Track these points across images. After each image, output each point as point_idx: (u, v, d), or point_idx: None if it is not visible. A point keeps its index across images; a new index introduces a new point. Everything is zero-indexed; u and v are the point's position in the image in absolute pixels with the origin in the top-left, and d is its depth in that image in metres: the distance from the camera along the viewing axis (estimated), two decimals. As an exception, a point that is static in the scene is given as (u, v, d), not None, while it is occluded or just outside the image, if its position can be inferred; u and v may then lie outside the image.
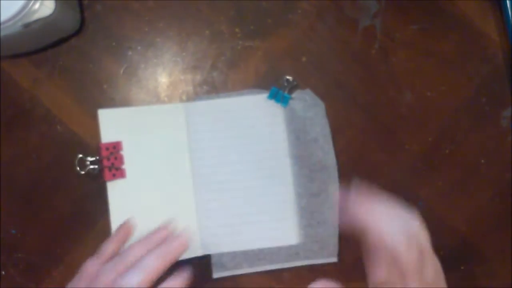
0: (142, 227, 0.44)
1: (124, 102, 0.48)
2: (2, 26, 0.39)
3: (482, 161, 0.48)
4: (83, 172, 0.45)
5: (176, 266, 0.46)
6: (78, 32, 0.47)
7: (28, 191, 0.48)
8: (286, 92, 0.47)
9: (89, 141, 0.47)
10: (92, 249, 0.47)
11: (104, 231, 0.47)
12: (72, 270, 0.47)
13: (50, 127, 0.47)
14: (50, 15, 0.41)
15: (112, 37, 0.48)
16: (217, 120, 0.47)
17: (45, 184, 0.48)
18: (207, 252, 0.47)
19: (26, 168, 0.45)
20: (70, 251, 0.47)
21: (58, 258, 0.47)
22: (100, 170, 0.44)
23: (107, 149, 0.43)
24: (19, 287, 0.47)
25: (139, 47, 0.48)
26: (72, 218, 0.47)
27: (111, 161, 0.43)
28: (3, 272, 0.47)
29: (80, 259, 0.47)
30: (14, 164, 0.46)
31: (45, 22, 0.41)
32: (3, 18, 0.39)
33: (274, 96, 0.47)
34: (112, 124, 0.44)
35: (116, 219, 0.43)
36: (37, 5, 0.40)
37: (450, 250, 0.47)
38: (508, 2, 0.46)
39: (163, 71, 0.48)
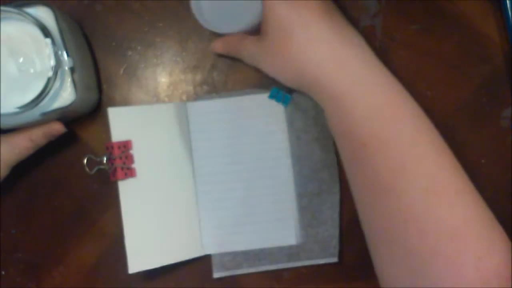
0: (146, 226, 0.44)
1: (124, 102, 0.48)
2: (19, 114, 0.39)
3: (482, 161, 0.48)
4: (92, 172, 0.45)
5: (176, 266, 0.46)
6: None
7: (28, 191, 0.48)
8: (287, 92, 0.47)
9: (89, 141, 0.47)
10: (92, 249, 0.47)
11: (104, 231, 0.47)
12: (72, 270, 0.48)
13: (50, 127, 0.47)
14: (70, 104, 0.40)
15: (112, 37, 0.48)
16: (218, 120, 0.47)
17: (45, 184, 0.48)
18: (207, 252, 0.47)
19: (26, 168, 0.45)
20: (70, 251, 0.47)
21: (58, 258, 0.47)
22: (112, 169, 0.43)
23: (119, 148, 0.43)
24: (19, 287, 0.47)
25: (139, 47, 0.48)
26: (72, 218, 0.48)
27: (122, 160, 0.43)
28: (3, 272, 0.47)
29: (80, 259, 0.47)
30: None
31: (64, 110, 0.41)
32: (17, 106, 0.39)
33: (275, 96, 0.47)
34: (122, 123, 0.44)
35: (128, 220, 0.43)
36: (56, 96, 0.40)
37: (450, 250, 0.47)
38: (508, 2, 0.46)
39: (163, 71, 0.48)
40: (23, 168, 0.44)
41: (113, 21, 0.48)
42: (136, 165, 0.44)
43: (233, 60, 0.48)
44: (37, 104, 0.39)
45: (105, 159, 0.44)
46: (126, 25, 0.48)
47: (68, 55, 0.40)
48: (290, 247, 0.46)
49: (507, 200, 0.47)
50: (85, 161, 0.45)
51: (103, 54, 0.48)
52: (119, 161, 0.43)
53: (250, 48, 0.42)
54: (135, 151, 0.44)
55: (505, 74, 0.48)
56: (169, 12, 0.48)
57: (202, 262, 0.47)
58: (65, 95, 0.40)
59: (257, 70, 0.48)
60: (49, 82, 0.39)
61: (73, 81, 0.40)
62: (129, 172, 0.43)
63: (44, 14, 0.40)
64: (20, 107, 0.38)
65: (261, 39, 0.41)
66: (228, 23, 0.46)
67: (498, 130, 0.48)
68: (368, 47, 0.40)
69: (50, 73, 0.39)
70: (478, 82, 0.48)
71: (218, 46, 0.46)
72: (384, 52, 0.48)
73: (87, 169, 0.45)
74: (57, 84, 0.39)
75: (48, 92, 0.39)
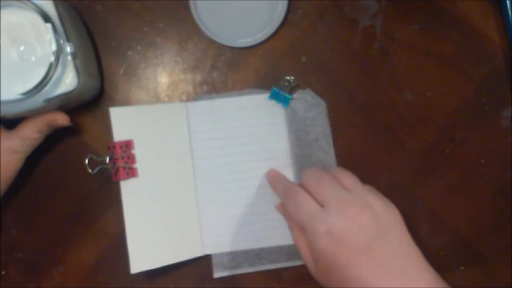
0: (147, 227, 0.44)
1: (124, 102, 0.48)
2: (22, 101, 0.39)
3: (482, 161, 0.48)
4: (94, 172, 0.45)
5: (176, 266, 0.46)
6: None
7: (28, 191, 0.48)
8: (287, 92, 0.47)
9: (89, 141, 0.47)
10: (92, 249, 0.47)
11: (104, 231, 0.47)
12: (72, 270, 0.48)
13: (50, 127, 0.47)
14: (73, 90, 0.40)
15: (112, 37, 0.48)
16: (218, 120, 0.47)
17: (45, 184, 0.48)
18: (207, 252, 0.47)
19: (26, 168, 0.45)
20: (70, 251, 0.47)
21: (58, 258, 0.47)
22: (114, 169, 0.43)
23: (121, 147, 0.43)
24: (19, 287, 0.47)
25: (139, 47, 0.48)
26: (72, 218, 0.47)
27: (124, 160, 0.43)
28: (3, 272, 0.47)
29: (80, 259, 0.47)
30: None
31: (67, 96, 0.41)
32: (20, 92, 0.39)
33: (275, 97, 0.47)
34: (123, 123, 0.44)
35: (130, 220, 0.43)
36: (59, 82, 0.40)
37: (450, 250, 0.47)
38: (508, 2, 0.46)
39: (163, 71, 0.48)
40: (24, 168, 0.44)
41: (113, 21, 0.48)
42: (138, 165, 0.44)
43: (233, 60, 0.48)
44: (39, 90, 0.39)
45: (107, 158, 0.44)
46: (126, 25, 0.48)
47: (68, 41, 0.40)
48: (290, 247, 0.46)
49: (507, 200, 0.47)
50: (86, 161, 0.45)
51: (103, 54, 0.48)
52: (121, 161, 0.43)
53: (306, 257, 0.40)
54: (136, 151, 0.44)
55: (505, 74, 0.48)
56: (169, 12, 0.48)
57: (202, 262, 0.47)
58: (68, 81, 0.40)
59: (257, 70, 0.48)
60: (51, 68, 0.39)
61: (75, 66, 0.40)
62: (131, 172, 0.43)
63: (44, 1, 0.40)
64: (23, 94, 0.38)
65: (315, 262, 0.39)
66: (229, 34, 0.47)
67: (498, 130, 0.48)
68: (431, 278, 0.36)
69: (52, 58, 0.39)
70: (478, 82, 0.48)
71: (279, 208, 0.46)
72: (384, 52, 0.48)
73: (88, 169, 0.45)
74: (59, 70, 0.39)
75: (51, 78, 0.39)
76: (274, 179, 0.45)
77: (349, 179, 0.39)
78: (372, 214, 0.37)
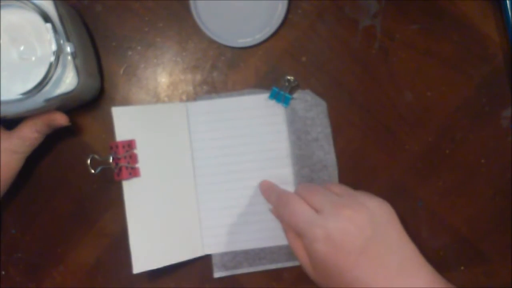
0: (149, 227, 0.44)
1: (124, 102, 0.48)
2: (22, 101, 0.39)
3: (482, 161, 0.48)
4: (96, 172, 0.45)
5: (177, 266, 0.46)
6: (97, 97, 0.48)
7: (28, 191, 0.48)
8: (287, 92, 0.47)
9: (89, 140, 0.48)
10: (92, 249, 0.47)
11: (104, 231, 0.47)
12: (72, 270, 0.48)
13: (50, 127, 0.47)
14: (73, 90, 0.40)
15: (112, 37, 0.48)
16: (218, 120, 0.47)
17: (45, 184, 0.48)
18: (207, 252, 0.47)
19: (26, 169, 0.45)
20: (70, 251, 0.47)
21: (58, 258, 0.47)
22: (117, 169, 0.43)
23: (123, 147, 0.43)
24: (19, 287, 0.47)
25: (139, 47, 0.48)
26: (72, 218, 0.48)
27: (127, 160, 0.43)
28: (3, 272, 0.47)
29: (80, 259, 0.47)
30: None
31: (67, 96, 0.40)
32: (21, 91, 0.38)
33: (275, 97, 0.47)
34: (125, 122, 0.44)
35: (132, 220, 0.43)
36: (59, 82, 0.40)
37: (450, 250, 0.47)
38: (508, 2, 0.46)
39: (163, 71, 0.48)
40: (24, 168, 0.44)
41: (113, 21, 0.48)
42: (140, 165, 0.44)
43: (233, 60, 0.48)
44: (40, 90, 0.39)
45: (111, 158, 0.44)
46: (126, 25, 0.48)
47: (68, 41, 0.40)
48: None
49: (507, 200, 0.47)
50: (88, 161, 0.45)
51: (103, 54, 0.48)
52: (124, 161, 0.43)
53: (303, 261, 0.40)
54: (138, 151, 0.44)
55: (505, 74, 0.48)
56: (169, 12, 0.48)
57: (202, 262, 0.47)
58: (68, 81, 0.40)
59: (257, 70, 0.48)
60: (51, 67, 0.39)
61: (75, 66, 0.40)
62: (133, 172, 0.43)
63: (44, 1, 0.40)
64: (23, 94, 0.38)
65: (313, 265, 0.39)
66: (229, 34, 0.47)
67: (498, 130, 0.48)
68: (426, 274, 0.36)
69: (52, 58, 0.39)
70: (478, 82, 0.48)
71: (273, 211, 0.44)
72: (384, 52, 0.48)
73: (91, 169, 0.45)
74: (59, 70, 0.39)
75: (51, 77, 0.39)
76: (266, 189, 0.46)
77: (339, 187, 0.40)
78: (368, 214, 0.37)
